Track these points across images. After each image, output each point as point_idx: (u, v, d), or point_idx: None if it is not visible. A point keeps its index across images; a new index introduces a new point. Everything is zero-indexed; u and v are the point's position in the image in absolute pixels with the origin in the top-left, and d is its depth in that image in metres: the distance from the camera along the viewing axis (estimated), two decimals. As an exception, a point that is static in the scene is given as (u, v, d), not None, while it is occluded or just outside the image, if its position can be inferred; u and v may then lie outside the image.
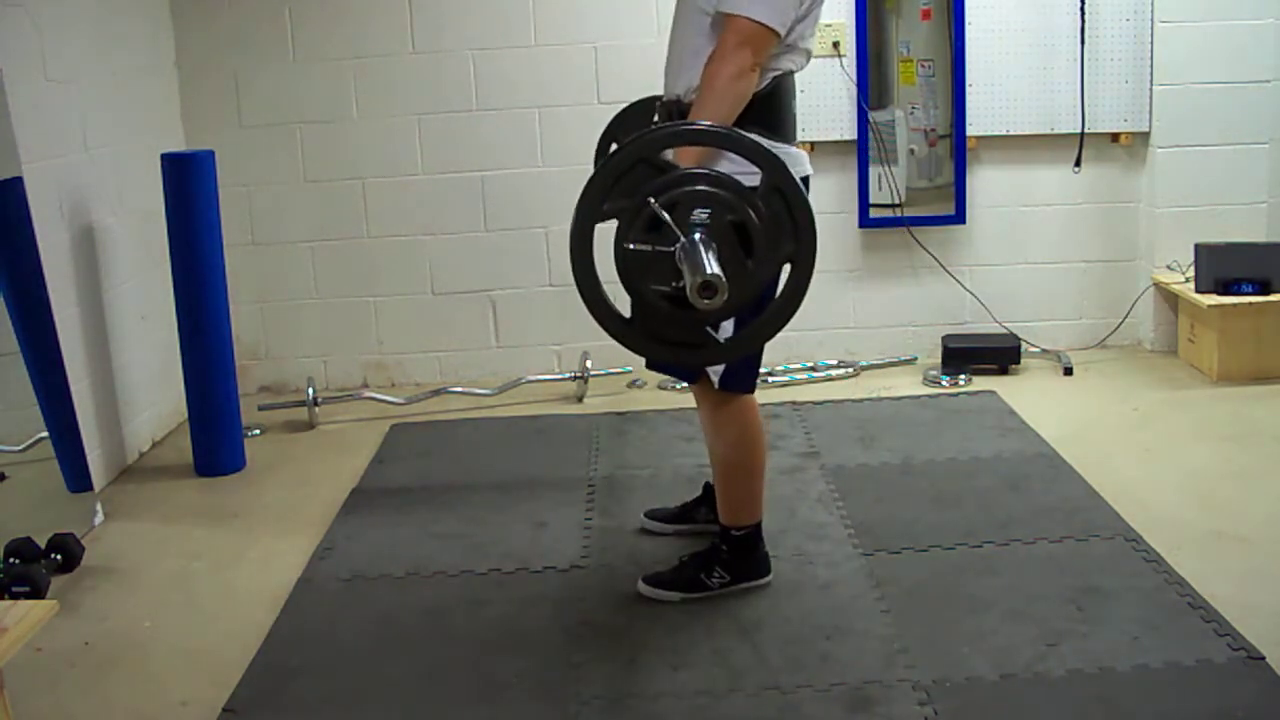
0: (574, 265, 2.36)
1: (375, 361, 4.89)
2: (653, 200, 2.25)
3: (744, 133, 2.39)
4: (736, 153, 2.38)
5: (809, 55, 2.81)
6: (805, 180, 2.69)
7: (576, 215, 2.33)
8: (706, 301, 2.14)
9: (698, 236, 2.25)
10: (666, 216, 2.23)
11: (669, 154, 2.45)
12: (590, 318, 2.48)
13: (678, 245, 2.26)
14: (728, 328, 2.49)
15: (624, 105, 3.35)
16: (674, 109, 2.75)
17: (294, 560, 3.25)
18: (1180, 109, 4.56)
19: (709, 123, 2.48)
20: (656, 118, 2.91)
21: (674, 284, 2.28)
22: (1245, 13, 4.48)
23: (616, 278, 2.37)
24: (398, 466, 3.97)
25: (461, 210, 4.76)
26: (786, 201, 2.32)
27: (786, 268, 2.39)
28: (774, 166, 2.33)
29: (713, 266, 2.16)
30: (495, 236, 4.78)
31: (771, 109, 2.72)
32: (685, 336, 2.35)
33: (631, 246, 2.26)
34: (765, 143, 2.45)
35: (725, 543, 2.90)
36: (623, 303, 2.44)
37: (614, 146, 3.48)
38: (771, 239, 2.30)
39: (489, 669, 2.63)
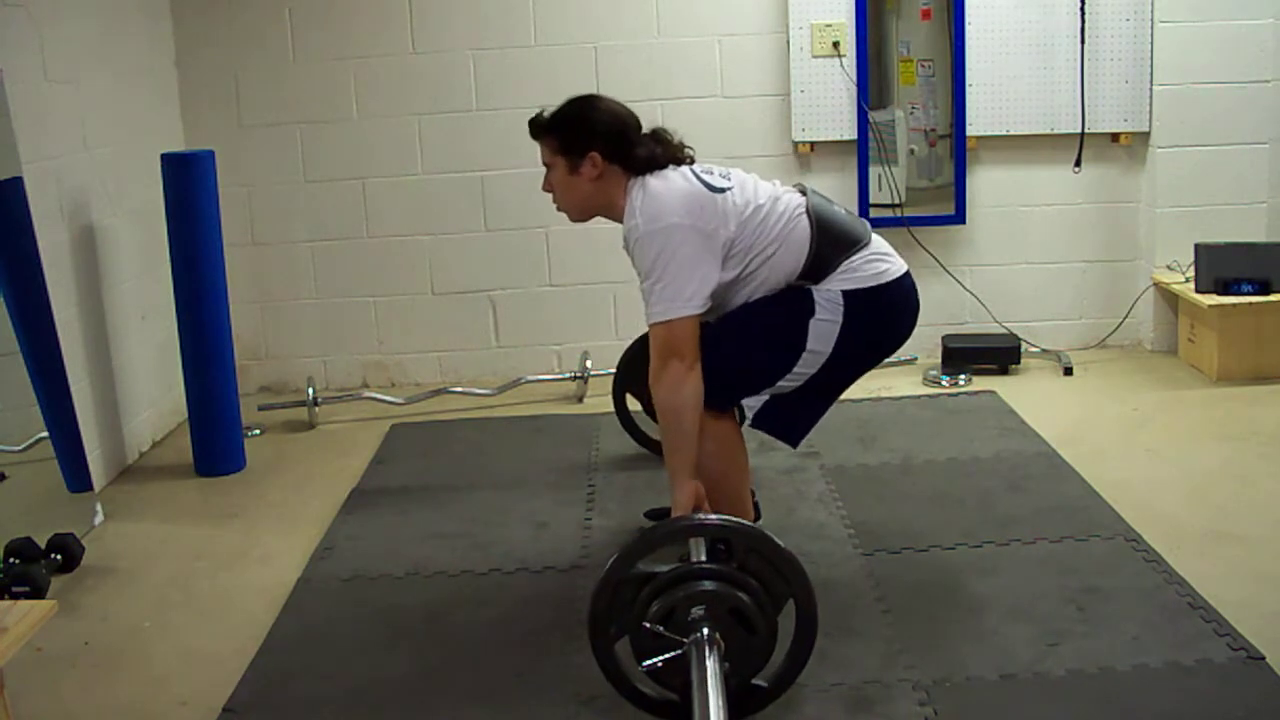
0: (613, 684, 2.43)
1: (375, 361, 4.89)
2: (647, 624, 2.32)
3: (705, 517, 2.55)
4: (702, 537, 2.51)
5: (796, 197, 2.81)
6: (883, 287, 2.74)
7: (592, 647, 2.40)
8: None
9: (705, 633, 2.29)
10: (665, 631, 2.31)
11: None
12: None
13: (685, 648, 2.31)
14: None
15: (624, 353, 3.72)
16: None
17: (294, 560, 3.25)
18: (1180, 109, 4.56)
19: (681, 514, 2.64)
20: None
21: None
22: (1245, 13, 4.48)
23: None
24: (398, 466, 3.97)
25: (461, 210, 4.77)
26: (763, 555, 2.37)
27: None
28: (739, 532, 2.39)
29: (718, 713, 2.14)
30: (495, 236, 4.78)
31: (823, 243, 2.74)
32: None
33: (646, 664, 2.34)
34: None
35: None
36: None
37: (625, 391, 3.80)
38: (765, 600, 2.36)
39: (489, 669, 2.64)
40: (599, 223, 4.29)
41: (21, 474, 3.41)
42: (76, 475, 3.53)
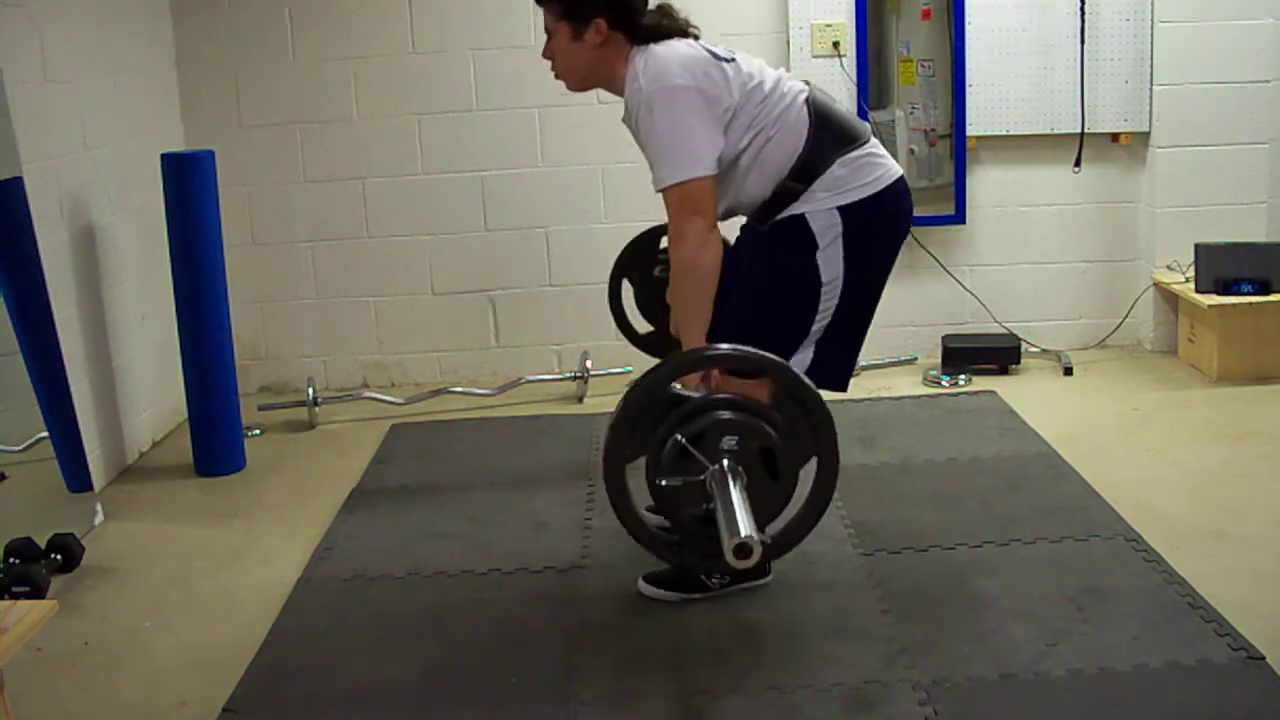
0: (615, 507, 2.41)
1: (375, 361, 4.89)
2: (679, 436, 2.29)
3: (738, 349, 2.39)
4: (734, 366, 2.46)
5: (799, 88, 2.77)
6: (876, 196, 2.69)
7: (605, 461, 2.37)
8: (741, 563, 2.11)
9: (726, 464, 2.27)
10: (694, 450, 2.28)
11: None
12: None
13: (707, 473, 2.29)
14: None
15: (636, 236, 3.56)
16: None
17: (294, 560, 3.25)
18: (1180, 109, 4.56)
19: (704, 346, 2.57)
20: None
21: (706, 505, 2.31)
22: (1245, 13, 4.48)
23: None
24: (398, 466, 3.97)
25: (461, 210, 4.76)
26: (801, 403, 2.35)
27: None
28: (782, 372, 2.35)
29: (747, 526, 2.11)
30: (495, 236, 4.78)
31: (820, 133, 2.69)
32: None
33: (664, 483, 2.30)
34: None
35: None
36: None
37: (624, 280, 3.68)
38: (793, 448, 2.34)
39: (489, 669, 2.63)
40: (599, 223, 4.29)
41: (21, 474, 3.41)
42: (76, 475, 3.53)
